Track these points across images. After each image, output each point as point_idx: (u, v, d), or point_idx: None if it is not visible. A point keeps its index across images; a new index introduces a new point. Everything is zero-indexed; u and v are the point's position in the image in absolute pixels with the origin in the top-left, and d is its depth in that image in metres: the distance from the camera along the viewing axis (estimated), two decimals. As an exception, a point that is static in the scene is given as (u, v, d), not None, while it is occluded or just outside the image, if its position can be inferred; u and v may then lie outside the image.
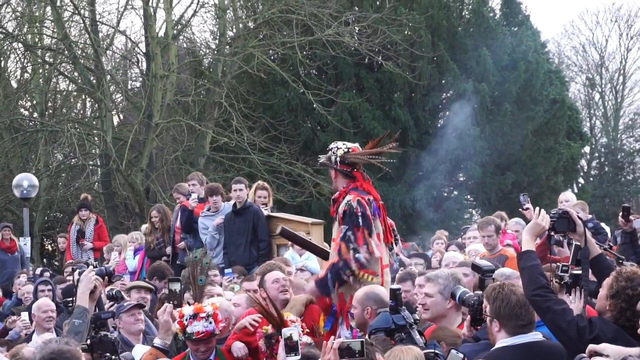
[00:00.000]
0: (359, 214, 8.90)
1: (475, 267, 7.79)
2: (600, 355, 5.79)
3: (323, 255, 10.19)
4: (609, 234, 16.02)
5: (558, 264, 7.39)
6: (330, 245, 9.46)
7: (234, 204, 15.09)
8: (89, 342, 6.78)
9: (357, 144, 9.45)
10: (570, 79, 51.20)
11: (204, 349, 8.27)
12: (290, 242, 14.02)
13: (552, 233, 7.28)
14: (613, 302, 6.36)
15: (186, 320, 8.06)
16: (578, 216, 7.19)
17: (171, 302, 7.38)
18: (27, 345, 8.44)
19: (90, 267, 7.17)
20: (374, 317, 7.62)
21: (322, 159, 9.39)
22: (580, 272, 6.97)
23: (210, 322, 8.19)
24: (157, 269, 13.99)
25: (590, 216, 15.36)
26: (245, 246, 14.72)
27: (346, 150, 9.23)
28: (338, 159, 9.21)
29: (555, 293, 6.67)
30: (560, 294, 7.11)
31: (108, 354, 6.66)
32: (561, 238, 9.89)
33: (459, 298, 7.36)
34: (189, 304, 8.27)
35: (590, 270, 7.05)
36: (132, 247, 16.94)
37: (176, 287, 7.17)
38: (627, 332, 6.22)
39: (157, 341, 6.61)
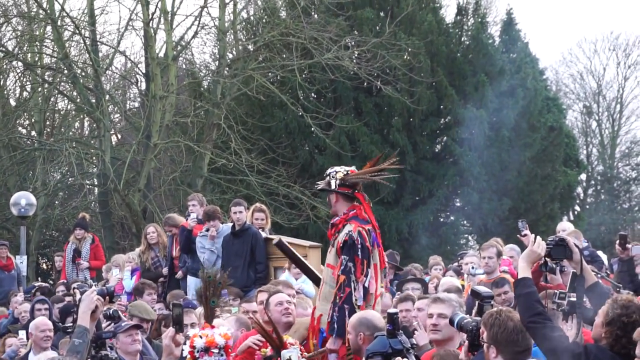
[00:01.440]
0: (359, 245, 8.99)
1: (474, 293, 7.82)
2: None
3: (312, 276, 10.18)
4: (606, 262, 16.08)
5: (555, 291, 7.44)
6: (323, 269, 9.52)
7: (233, 226, 15.12)
8: (89, 361, 6.82)
9: (354, 167, 9.52)
10: (568, 107, 51.28)
11: None
12: (286, 265, 14.02)
13: (549, 260, 7.32)
14: (609, 330, 6.41)
15: (197, 352, 8.06)
16: (574, 244, 7.24)
17: (173, 326, 7.37)
18: (26, 363, 8.46)
19: (93, 287, 7.20)
20: (367, 342, 7.62)
21: (321, 184, 9.43)
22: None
23: (222, 355, 8.19)
24: (144, 284, 14.08)
25: (586, 244, 15.41)
26: (243, 268, 14.73)
27: (345, 172, 9.30)
28: (338, 182, 9.27)
29: (551, 320, 6.71)
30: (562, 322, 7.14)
31: (108, 374, 6.69)
32: (554, 265, 9.91)
33: (457, 324, 7.38)
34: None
35: (587, 298, 7.10)
36: (129, 267, 16.91)
37: (178, 312, 7.20)
38: (623, 359, 6.27)
39: (160, 365, 6.65)
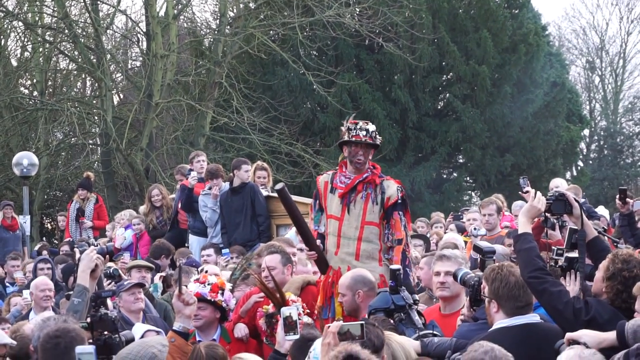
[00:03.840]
0: (408, 201, 9.12)
1: (476, 249, 7.81)
2: (578, 343, 5.86)
3: (306, 235, 9.66)
4: (608, 218, 16.04)
5: (553, 247, 7.42)
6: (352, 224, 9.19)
7: (230, 183, 15.13)
8: (89, 320, 6.80)
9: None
10: (571, 62, 51.19)
11: (195, 313, 8.35)
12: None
13: (549, 215, 7.29)
14: (609, 284, 6.41)
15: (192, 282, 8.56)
16: (574, 198, 7.21)
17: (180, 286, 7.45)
18: (27, 322, 8.46)
19: (92, 246, 7.21)
20: (367, 299, 7.61)
21: (365, 139, 9.15)
22: (575, 255, 6.99)
23: (205, 287, 8.57)
24: (161, 247, 14.07)
25: (583, 200, 15.36)
26: (245, 223, 14.74)
27: None
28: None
29: (552, 275, 6.69)
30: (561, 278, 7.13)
31: (108, 332, 6.67)
32: (555, 221, 9.89)
33: (460, 278, 7.38)
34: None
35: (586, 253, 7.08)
36: (122, 223, 16.80)
37: (178, 271, 7.25)
38: (623, 313, 6.27)
39: (175, 325, 6.63)
